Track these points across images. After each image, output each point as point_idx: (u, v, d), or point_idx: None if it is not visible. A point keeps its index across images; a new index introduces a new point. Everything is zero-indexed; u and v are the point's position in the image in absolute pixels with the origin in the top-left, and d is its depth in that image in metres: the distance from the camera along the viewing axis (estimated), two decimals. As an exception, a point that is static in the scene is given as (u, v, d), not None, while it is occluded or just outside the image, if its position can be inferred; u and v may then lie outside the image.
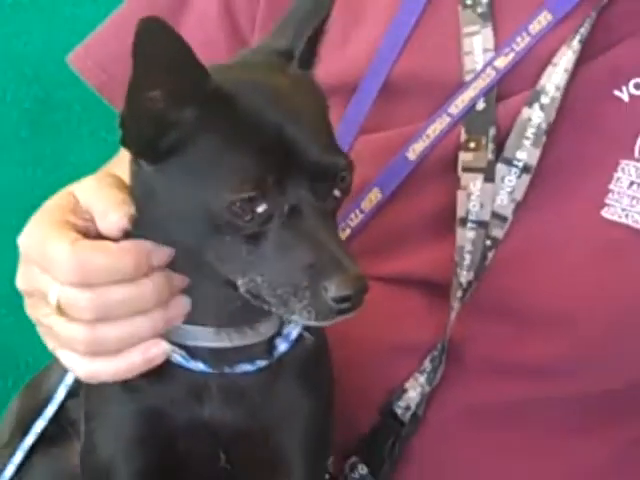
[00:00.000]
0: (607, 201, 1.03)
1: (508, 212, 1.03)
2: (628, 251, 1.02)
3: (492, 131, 1.04)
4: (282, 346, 0.91)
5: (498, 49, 1.06)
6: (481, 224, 1.03)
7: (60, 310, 0.83)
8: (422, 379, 1.05)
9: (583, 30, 1.02)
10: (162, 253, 0.84)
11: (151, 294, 0.84)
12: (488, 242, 1.03)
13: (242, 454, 0.94)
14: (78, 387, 0.97)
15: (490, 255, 1.03)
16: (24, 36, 1.73)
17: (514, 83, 1.05)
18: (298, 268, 0.79)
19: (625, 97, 1.04)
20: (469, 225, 1.04)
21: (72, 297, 0.82)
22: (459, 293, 1.03)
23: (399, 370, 1.07)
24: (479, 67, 1.06)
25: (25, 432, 1.02)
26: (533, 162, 1.03)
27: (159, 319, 0.84)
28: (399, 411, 1.05)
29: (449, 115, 1.06)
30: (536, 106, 1.03)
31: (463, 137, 1.05)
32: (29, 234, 0.86)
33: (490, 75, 1.05)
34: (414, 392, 1.05)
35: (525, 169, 1.03)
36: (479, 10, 1.07)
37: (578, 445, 1.08)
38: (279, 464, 0.95)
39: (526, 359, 1.05)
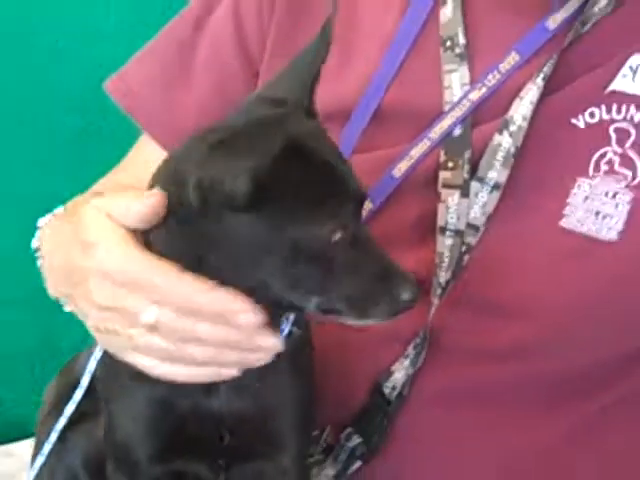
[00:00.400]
0: (565, 212, 1.09)
1: (480, 223, 1.10)
2: (582, 254, 1.08)
3: (467, 154, 1.11)
4: (285, 330, 0.99)
5: (473, 84, 1.13)
6: (458, 232, 1.11)
7: (153, 328, 0.89)
8: (406, 363, 1.13)
9: (546, 69, 1.09)
10: (254, 316, 0.88)
11: (246, 340, 0.90)
12: (463, 248, 1.10)
13: (243, 433, 1.02)
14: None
15: (465, 258, 1.10)
16: (68, 67, 1.78)
17: (486, 113, 1.12)
18: (372, 280, 0.90)
19: (581, 124, 1.10)
20: (447, 233, 1.11)
21: (170, 320, 0.89)
22: (439, 291, 1.11)
23: (386, 355, 1.14)
24: (456, 99, 1.13)
25: (64, 403, 1.08)
26: (502, 180, 1.09)
27: (245, 358, 0.91)
28: (387, 390, 1.13)
29: (430, 139, 1.13)
30: (505, 133, 1.09)
31: (442, 158, 1.12)
32: (109, 256, 0.90)
33: (466, 106, 1.12)
34: (399, 374, 1.13)
35: (495, 186, 1.10)
36: (457, 51, 1.13)
37: (546, 419, 1.15)
38: (274, 438, 1.03)
39: (497, 345, 1.11)
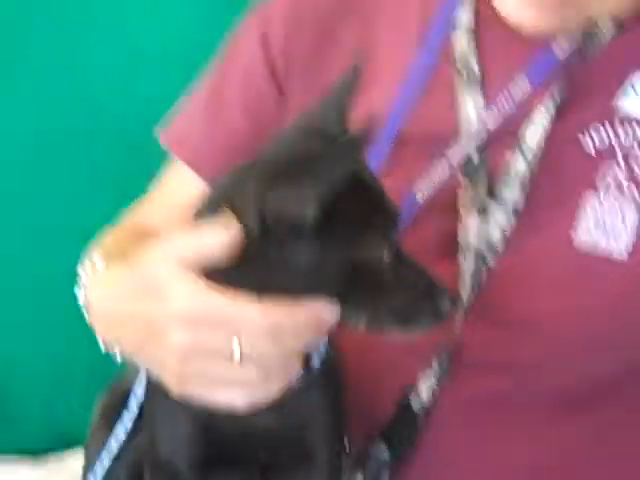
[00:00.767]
0: (576, 232, 1.13)
1: (499, 243, 1.14)
2: (593, 272, 1.12)
3: (484, 176, 1.16)
4: (316, 363, 1.04)
5: (487, 110, 1.17)
6: (478, 253, 1.15)
7: (242, 359, 0.92)
8: (432, 377, 1.17)
9: (556, 94, 1.14)
10: (332, 315, 0.94)
11: (315, 343, 0.97)
12: (483, 267, 1.14)
13: (277, 447, 1.07)
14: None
15: (484, 277, 1.15)
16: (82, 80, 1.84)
17: (501, 137, 1.16)
18: (417, 293, 0.96)
19: (590, 145, 1.14)
20: (467, 254, 1.15)
21: (258, 348, 0.92)
22: (461, 310, 1.15)
23: (411, 369, 1.18)
24: (472, 124, 1.17)
25: (113, 422, 1.14)
26: (520, 204, 1.14)
27: None
28: (413, 404, 1.18)
29: (448, 162, 1.17)
30: (520, 156, 1.15)
31: (461, 181, 1.17)
32: (187, 298, 0.93)
33: (481, 131, 1.17)
34: (425, 388, 1.17)
35: (514, 211, 1.15)
36: (471, 79, 1.19)
37: (565, 423, 1.18)
38: (307, 451, 1.09)
39: (513, 359, 1.15)
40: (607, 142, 1.15)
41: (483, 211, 1.16)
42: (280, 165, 0.92)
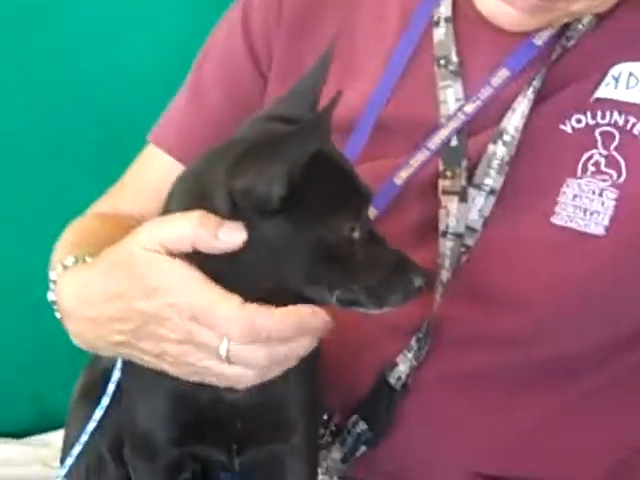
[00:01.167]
0: (556, 210, 1.17)
1: (478, 225, 1.18)
2: (572, 248, 1.16)
3: (464, 162, 1.19)
4: None
5: (467, 98, 1.20)
6: (458, 235, 1.18)
7: (229, 360, 0.94)
8: (410, 355, 1.20)
9: (536, 83, 1.18)
10: (318, 320, 0.95)
11: (312, 345, 0.97)
12: (463, 249, 1.18)
13: (254, 419, 1.08)
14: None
15: (464, 258, 1.18)
16: (86, 76, 1.83)
17: (480, 124, 1.20)
18: (389, 270, 0.98)
19: (569, 130, 1.19)
20: (448, 236, 1.19)
21: (243, 350, 0.93)
22: (440, 289, 1.18)
23: (391, 346, 1.21)
24: (452, 112, 1.20)
25: (92, 397, 1.17)
26: (498, 186, 1.18)
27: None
28: (392, 381, 1.20)
29: (428, 149, 1.20)
30: (499, 143, 1.17)
31: (441, 167, 1.20)
32: (178, 292, 0.94)
33: (461, 118, 1.20)
34: (404, 366, 1.20)
35: (491, 192, 1.18)
36: (450, 68, 1.21)
37: (537, 397, 1.22)
38: (284, 424, 1.11)
39: (493, 333, 1.18)
40: (585, 125, 1.19)
41: (463, 197, 1.19)
42: (247, 147, 0.94)
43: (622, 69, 1.19)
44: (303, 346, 0.96)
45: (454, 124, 1.21)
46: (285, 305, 0.95)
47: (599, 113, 1.19)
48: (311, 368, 1.11)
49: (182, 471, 1.18)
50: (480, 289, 1.19)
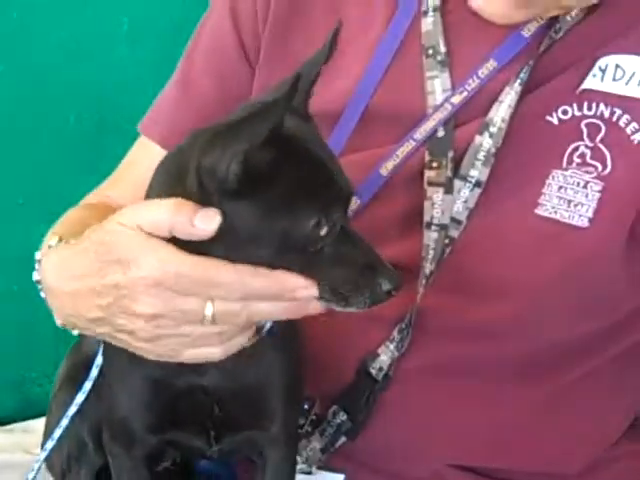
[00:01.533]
0: (540, 201, 1.17)
1: (463, 217, 1.18)
2: (556, 239, 1.17)
3: (450, 153, 1.19)
4: (267, 325, 1.06)
5: (454, 89, 1.20)
6: (442, 227, 1.18)
7: (214, 319, 0.96)
8: (392, 346, 1.20)
9: (523, 75, 1.18)
10: (309, 290, 0.96)
11: (293, 312, 0.99)
12: (446, 240, 1.18)
13: (232, 406, 1.09)
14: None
15: (447, 250, 1.18)
16: (85, 71, 1.83)
17: (467, 115, 1.20)
18: (357, 271, 0.97)
19: (555, 121, 1.19)
20: (433, 228, 1.19)
21: (230, 308, 0.95)
22: (423, 281, 1.18)
23: (373, 336, 1.21)
24: (439, 103, 1.20)
25: (74, 382, 1.17)
26: (483, 178, 1.18)
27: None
28: (373, 371, 1.21)
29: (415, 140, 1.20)
30: (486, 134, 1.18)
31: (427, 158, 1.20)
32: (159, 265, 0.94)
33: (447, 109, 1.20)
34: (385, 357, 1.20)
35: (477, 184, 1.18)
36: (438, 58, 1.21)
37: (518, 390, 1.23)
38: (261, 411, 1.11)
39: (475, 324, 1.19)
40: (571, 116, 1.19)
41: (448, 188, 1.19)
42: (219, 128, 0.95)
43: (609, 61, 1.19)
44: (287, 309, 0.98)
45: (441, 115, 1.21)
46: None
47: (585, 105, 1.19)
48: (291, 356, 1.12)
49: (161, 460, 1.20)
50: (463, 280, 1.20)
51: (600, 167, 1.18)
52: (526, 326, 1.20)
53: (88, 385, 1.15)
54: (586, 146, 1.18)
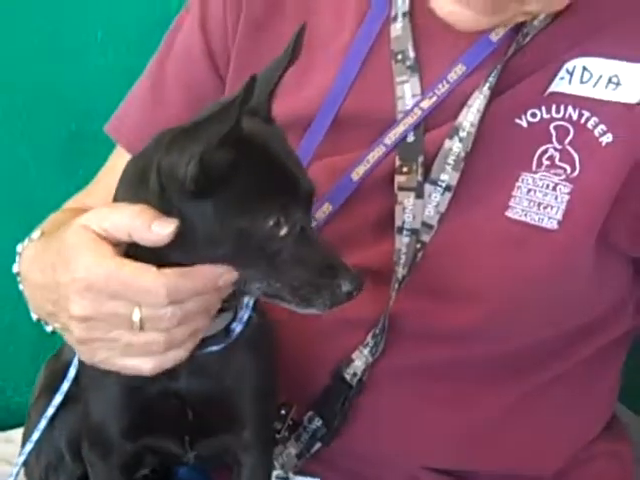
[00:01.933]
0: (510, 204, 1.18)
1: (434, 221, 1.19)
2: (526, 241, 1.17)
3: (420, 158, 1.19)
4: (238, 328, 1.07)
5: (424, 93, 1.21)
6: (414, 231, 1.19)
7: (142, 325, 0.95)
8: (366, 351, 1.20)
9: (491, 79, 1.18)
10: (229, 276, 0.97)
11: (217, 302, 0.99)
12: (418, 245, 1.18)
13: (205, 410, 1.09)
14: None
15: (419, 255, 1.18)
16: (62, 81, 1.82)
17: (437, 120, 1.21)
18: (316, 272, 0.97)
19: (524, 124, 1.20)
20: (404, 232, 1.19)
21: (157, 314, 0.95)
22: (396, 285, 1.18)
23: (347, 341, 1.22)
24: (408, 107, 1.20)
25: (53, 390, 1.17)
26: (454, 182, 1.18)
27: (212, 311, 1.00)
28: (347, 377, 1.21)
29: (385, 145, 1.21)
30: (456, 138, 1.18)
31: (397, 163, 1.20)
32: (91, 267, 0.95)
33: (417, 114, 1.20)
34: (359, 362, 1.21)
35: (447, 188, 1.18)
36: (407, 64, 1.22)
37: (490, 392, 1.24)
38: (234, 415, 1.11)
39: (446, 328, 1.20)
40: (540, 119, 1.20)
41: (419, 192, 1.20)
42: (177, 132, 0.96)
43: (576, 64, 1.20)
44: (210, 301, 0.98)
45: (411, 120, 1.21)
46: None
47: (554, 107, 1.20)
48: (264, 361, 1.12)
49: (139, 468, 1.20)
50: (434, 285, 1.20)
51: (569, 169, 1.18)
52: (497, 329, 1.20)
53: (66, 386, 1.16)
54: (555, 148, 1.19)
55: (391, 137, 1.22)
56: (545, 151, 1.19)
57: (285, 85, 1.05)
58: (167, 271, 0.94)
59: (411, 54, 1.23)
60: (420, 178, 1.20)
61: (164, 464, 1.29)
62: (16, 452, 1.52)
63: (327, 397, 1.23)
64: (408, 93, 1.23)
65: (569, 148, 1.19)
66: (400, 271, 1.19)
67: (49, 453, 1.25)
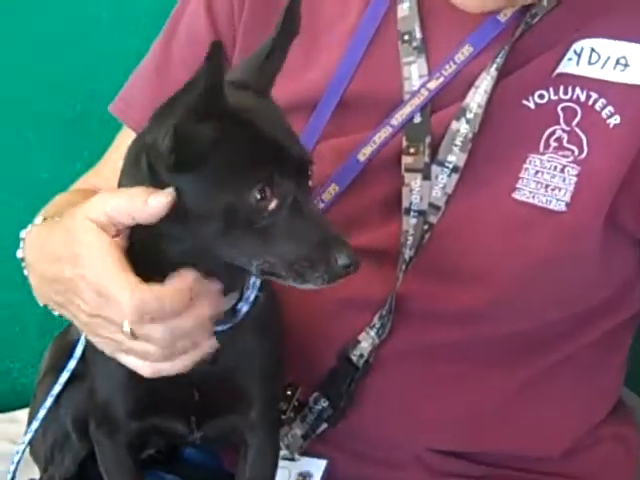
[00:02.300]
0: (517, 186, 1.18)
1: (441, 203, 1.19)
2: (533, 223, 1.17)
3: (428, 139, 1.19)
4: (244, 308, 1.06)
5: (431, 74, 1.21)
6: (421, 213, 1.18)
7: (133, 335, 0.96)
8: (372, 333, 1.20)
9: (499, 60, 1.18)
10: (205, 284, 0.97)
11: (208, 319, 0.98)
12: (425, 226, 1.18)
13: (211, 390, 1.09)
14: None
15: (427, 236, 1.18)
16: (67, 62, 1.83)
17: (444, 101, 1.21)
18: (310, 246, 0.95)
19: (532, 105, 1.20)
20: (412, 214, 1.19)
21: (142, 329, 0.95)
22: (403, 267, 1.18)
23: (354, 322, 1.21)
24: (415, 88, 1.20)
25: (60, 368, 1.18)
26: (461, 164, 1.18)
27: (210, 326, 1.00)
28: (354, 358, 1.21)
29: (391, 126, 1.21)
30: (463, 120, 1.18)
31: (404, 144, 1.20)
32: (93, 267, 0.96)
33: (424, 94, 1.20)
34: (366, 343, 1.21)
35: (454, 169, 1.18)
36: (414, 44, 1.22)
37: (496, 374, 1.24)
38: (240, 395, 1.11)
39: (454, 310, 1.19)
40: (547, 100, 1.19)
41: (426, 173, 1.20)
42: (159, 108, 0.97)
43: (584, 45, 1.19)
44: (202, 312, 0.98)
45: (417, 100, 1.21)
46: (214, 272, 0.98)
47: (561, 88, 1.19)
48: (271, 341, 1.12)
49: (145, 447, 1.20)
50: (442, 266, 1.20)
51: (577, 151, 1.18)
52: (503, 310, 1.20)
53: (72, 363, 1.16)
54: (563, 130, 1.18)
55: (398, 118, 1.21)
56: (553, 132, 1.19)
57: (290, 67, 1.05)
58: (140, 289, 0.94)
59: (418, 35, 1.23)
60: (427, 159, 1.20)
61: (171, 444, 1.29)
62: (21, 432, 1.53)
63: (333, 378, 1.23)
64: (415, 74, 1.22)
65: (577, 130, 1.18)
66: (407, 252, 1.19)
67: (55, 431, 1.25)
